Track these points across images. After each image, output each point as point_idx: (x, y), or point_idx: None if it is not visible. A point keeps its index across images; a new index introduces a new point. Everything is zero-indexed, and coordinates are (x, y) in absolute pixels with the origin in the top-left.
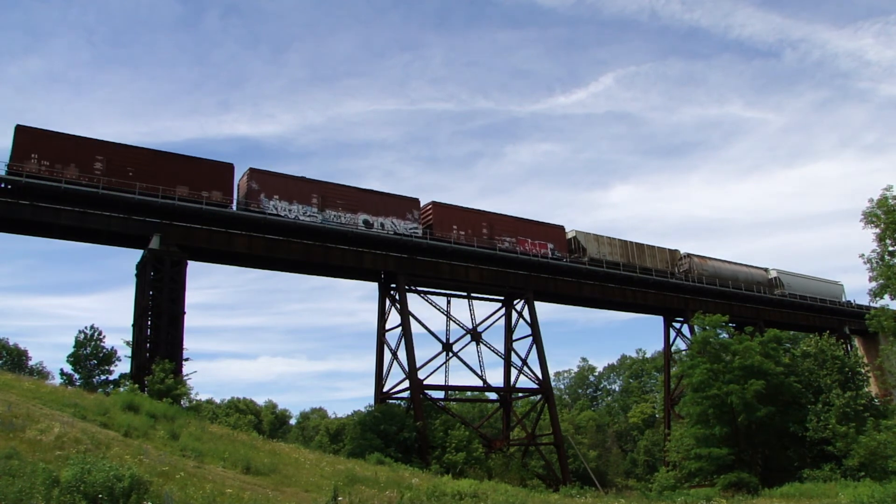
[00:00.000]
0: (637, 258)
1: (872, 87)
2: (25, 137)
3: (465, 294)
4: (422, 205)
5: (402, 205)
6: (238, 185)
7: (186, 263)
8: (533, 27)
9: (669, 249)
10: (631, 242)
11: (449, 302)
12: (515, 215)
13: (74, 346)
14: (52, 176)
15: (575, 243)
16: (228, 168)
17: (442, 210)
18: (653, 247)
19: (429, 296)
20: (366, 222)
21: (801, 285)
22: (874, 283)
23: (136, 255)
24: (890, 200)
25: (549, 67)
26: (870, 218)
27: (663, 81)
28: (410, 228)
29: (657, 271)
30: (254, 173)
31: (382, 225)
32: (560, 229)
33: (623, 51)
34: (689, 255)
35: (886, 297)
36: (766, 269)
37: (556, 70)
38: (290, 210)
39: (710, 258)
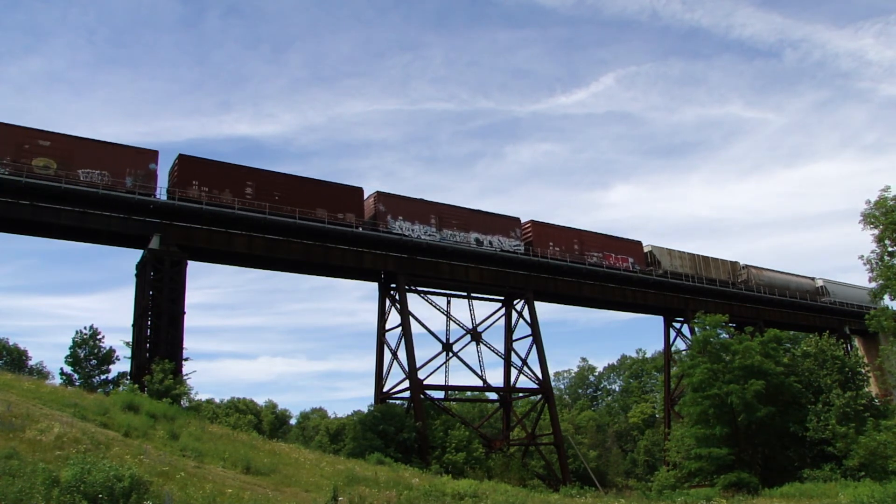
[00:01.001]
0: (703, 270)
1: (873, 87)
2: (187, 166)
3: (465, 294)
4: (522, 223)
5: (506, 224)
6: (366, 207)
7: (186, 263)
8: (533, 27)
9: (731, 262)
10: (698, 255)
11: (449, 302)
12: (603, 232)
13: (72, 347)
14: (210, 200)
15: (651, 257)
16: (358, 192)
17: (539, 228)
18: (717, 259)
19: (429, 296)
20: (477, 240)
21: (845, 293)
22: (874, 284)
23: (136, 255)
24: (889, 201)
25: (549, 67)
26: (868, 219)
27: (664, 81)
28: (514, 245)
29: (721, 281)
30: (380, 196)
31: (490, 242)
32: (638, 244)
33: (623, 51)
34: (747, 267)
35: (886, 296)
36: (812, 279)
37: (557, 70)
38: (412, 230)
39: (765, 269)
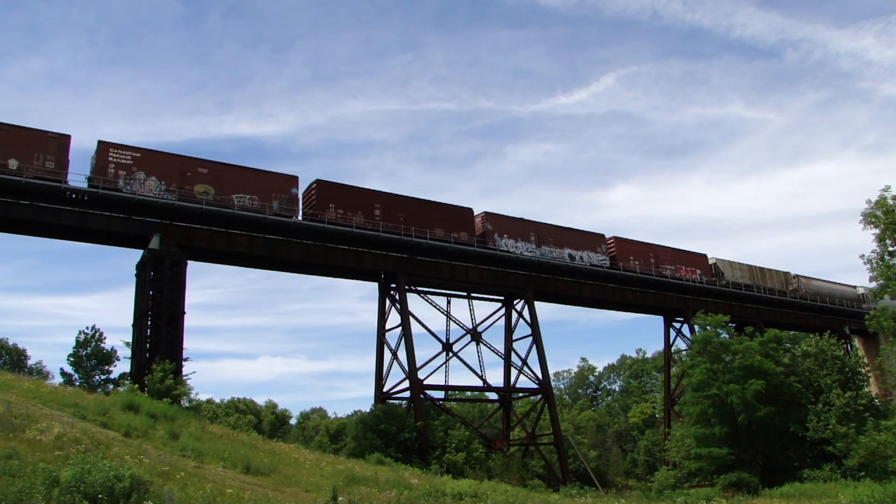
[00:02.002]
0: (760, 280)
1: (873, 87)
2: (324, 190)
3: (465, 294)
4: (607, 239)
5: (593, 240)
6: (476, 225)
7: (186, 263)
8: (534, 27)
9: (784, 272)
10: (756, 267)
11: (449, 302)
12: (674, 247)
13: (75, 346)
14: (344, 222)
15: (715, 269)
16: (469, 212)
17: (622, 244)
18: (771, 270)
19: (429, 296)
20: (570, 255)
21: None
22: (874, 284)
23: (136, 255)
24: (889, 201)
25: (550, 67)
26: (869, 219)
27: (664, 81)
28: (600, 259)
29: (778, 291)
30: (488, 216)
31: (581, 258)
32: (704, 257)
33: (624, 51)
34: (797, 277)
35: (886, 296)
36: (854, 287)
37: (558, 70)
38: (516, 247)
39: (813, 279)
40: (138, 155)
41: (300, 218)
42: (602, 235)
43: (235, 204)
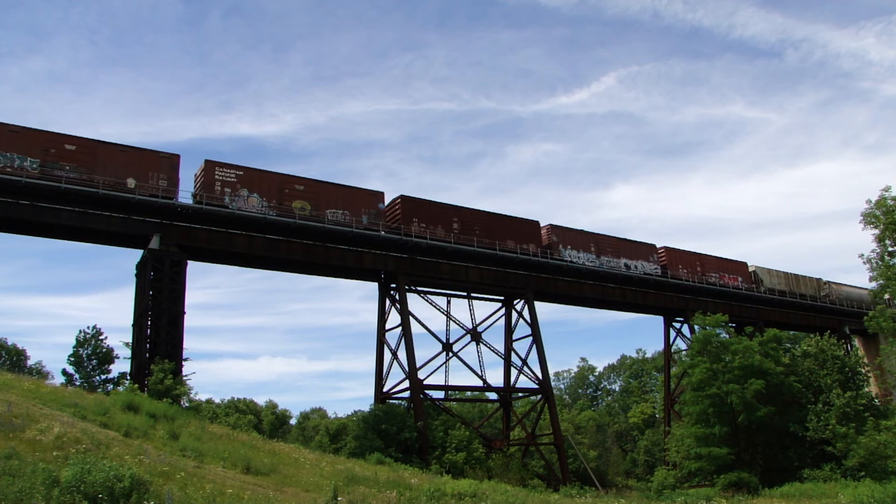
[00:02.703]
0: (794, 286)
1: (874, 88)
2: (408, 205)
3: (465, 294)
4: (658, 249)
5: (646, 250)
6: (543, 237)
7: (186, 263)
8: (535, 27)
9: (816, 279)
10: (791, 274)
11: (449, 302)
12: (719, 256)
13: (75, 346)
14: (425, 235)
15: (755, 276)
16: (536, 224)
17: (672, 253)
18: (805, 277)
19: (429, 296)
20: (626, 265)
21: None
22: (874, 284)
23: (136, 255)
24: (889, 201)
25: (551, 67)
26: (869, 219)
27: (665, 81)
28: (653, 268)
29: (810, 297)
30: (553, 229)
31: (636, 267)
32: (744, 265)
33: (625, 51)
34: (828, 283)
35: (886, 296)
36: None
37: (558, 70)
38: (578, 257)
39: (843, 284)
40: (241, 173)
41: (383, 232)
42: (653, 245)
43: (329, 218)
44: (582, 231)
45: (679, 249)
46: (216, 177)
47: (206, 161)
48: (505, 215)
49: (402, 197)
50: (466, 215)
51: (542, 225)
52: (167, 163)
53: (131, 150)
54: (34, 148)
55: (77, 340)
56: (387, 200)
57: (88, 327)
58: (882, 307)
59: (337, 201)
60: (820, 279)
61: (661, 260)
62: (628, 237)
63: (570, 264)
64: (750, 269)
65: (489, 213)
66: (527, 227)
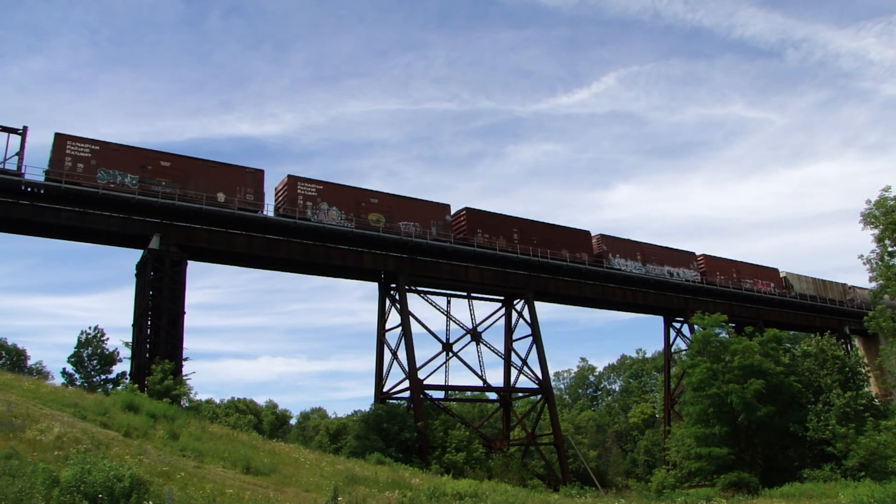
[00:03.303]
0: (822, 291)
1: (874, 87)
2: (473, 217)
3: (465, 294)
4: (697, 256)
5: (687, 258)
6: (594, 246)
7: (186, 263)
8: (536, 27)
9: (842, 283)
10: (819, 279)
11: (449, 302)
12: (754, 263)
13: (76, 346)
14: (488, 245)
15: (786, 281)
16: (587, 234)
17: (711, 261)
18: (832, 282)
19: (429, 296)
20: (668, 272)
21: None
22: (874, 284)
23: (136, 255)
24: (889, 201)
25: (551, 67)
26: (869, 219)
27: (665, 81)
28: (693, 275)
29: (838, 301)
30: (603, 238)
31: (678, 274)
32: (775, 271)
33: (625, 50)
34: (853, 287)
35: (886, 296)
36: None
37: (559, 70)
38: (625, 265)
39: (867, 289)
40: (321, 187)
41: (451, 242)
42: (693, 253)
43: (402, 230)
44: (629, 240)
45: (717, 257)
46: (298, 191)
47: (289, 176)
48: (560, 226)
49: (467, 209)
50: (525, 226)
51: (592, 235)
52: (252, 178)
53: (220, 165)
54: (134, 165)
55: (79, 341)
56: (452, 211)
57: (90, 328)
58: (882, 307)
59: (408, 213)
60: (845, 284)
61: (700, 267)
62: (670, 245)
63: (569, 265)
64: (781, 275)
65: (546, 223)
66: (579, 237)
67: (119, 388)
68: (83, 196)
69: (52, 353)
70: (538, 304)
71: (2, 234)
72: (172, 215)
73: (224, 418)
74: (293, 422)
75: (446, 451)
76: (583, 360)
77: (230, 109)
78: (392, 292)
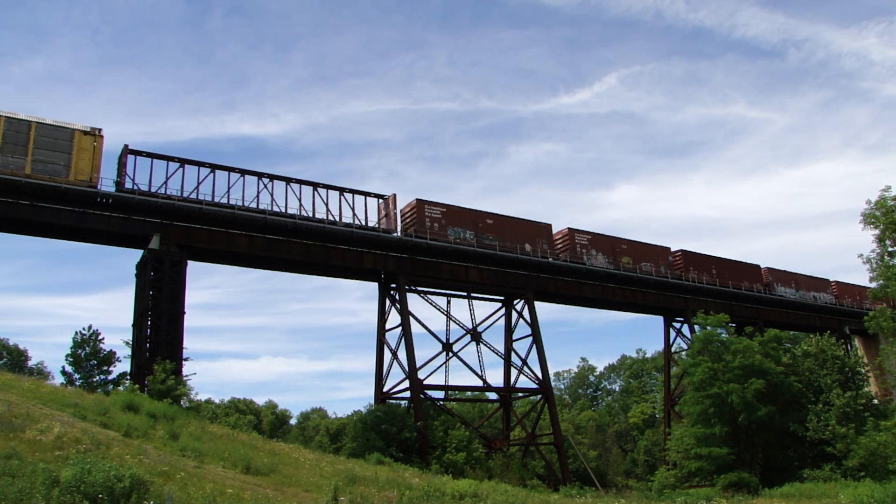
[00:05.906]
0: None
1: (876, 87)
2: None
3: (465, 294)
4: (673, 251)
5: (753, 271)
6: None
7: (186, 263)
8: (537, 27)
9: (827, 279)
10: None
11: (449, 302)
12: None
13: (72, 347)
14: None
15: (766, 276)
16: (666, 250)
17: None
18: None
19: (429, 296)
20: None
21: None
22: (874, 284)
23: (136, 255)
24: (889, 201)
25: (552, 67)
26: (869, 219)
27: (667, 81)
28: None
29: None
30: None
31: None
32: (756, 268)
33: (627, 50)
34: (836, 283)
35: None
36: None
37: (560, 70)
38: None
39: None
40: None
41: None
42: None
43: (643, 270)
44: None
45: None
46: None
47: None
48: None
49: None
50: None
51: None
52: (545, 230)
53: (524, 221)
54: (469, 223)
55: (74, 341)
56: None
57: (84, 328)
58: (882, 307)
59: (646, 257)
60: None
61: (766, 279)
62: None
63: (569, 265)
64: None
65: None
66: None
67: (119, 388)
68: (83, 196)
69: (52, 353)
70: (538, 304)
71: (2, 234)
72: (172, 215)
73: (224, 418)
74: (293, 422)
75: (446, 451)
76: (583, 360)
77: (231, 109)
78: (392, 292)
